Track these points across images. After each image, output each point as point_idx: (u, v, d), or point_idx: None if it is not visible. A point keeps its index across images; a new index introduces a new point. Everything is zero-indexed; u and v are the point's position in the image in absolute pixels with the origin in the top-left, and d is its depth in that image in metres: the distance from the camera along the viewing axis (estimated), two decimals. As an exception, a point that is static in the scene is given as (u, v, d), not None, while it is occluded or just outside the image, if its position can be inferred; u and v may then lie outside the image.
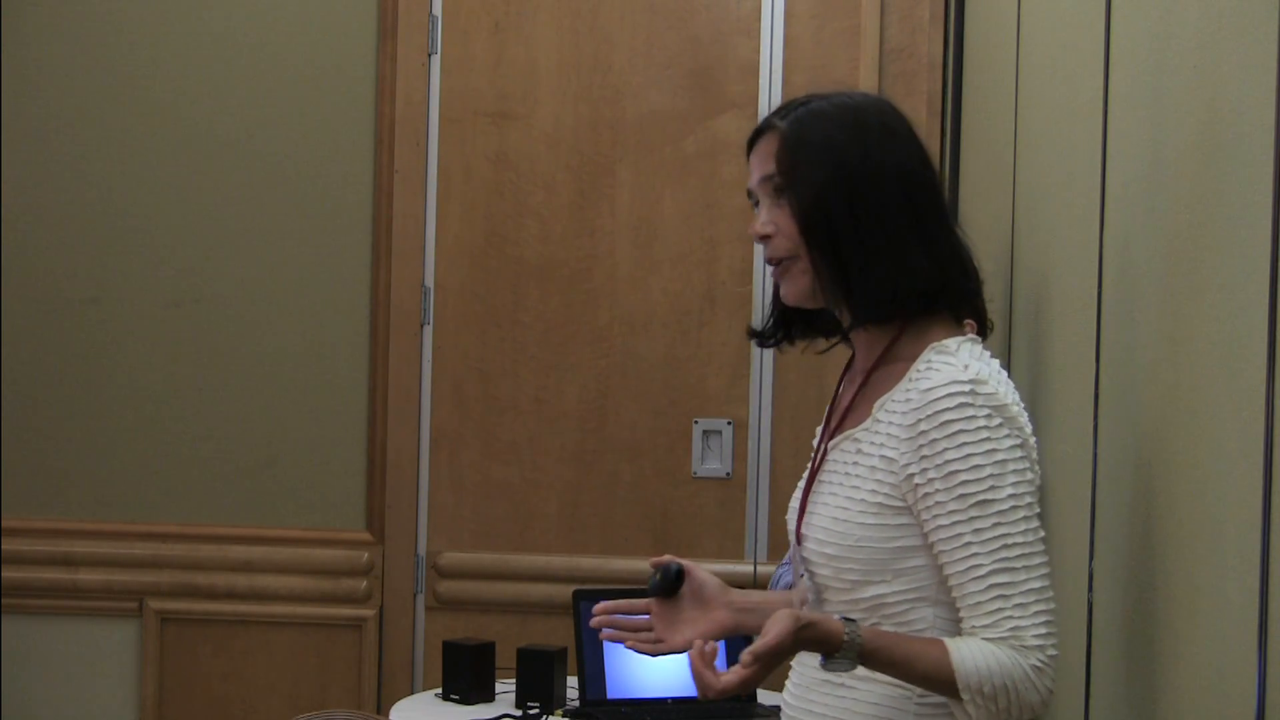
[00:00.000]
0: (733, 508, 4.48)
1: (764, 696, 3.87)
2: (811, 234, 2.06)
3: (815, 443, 2.22)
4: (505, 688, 3.85)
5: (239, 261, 4.60)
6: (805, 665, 2.12)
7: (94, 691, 4.61)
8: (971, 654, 1.93)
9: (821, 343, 2.26)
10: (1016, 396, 2.04)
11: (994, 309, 3.09)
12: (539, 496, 4.55)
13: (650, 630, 2.25)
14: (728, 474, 4.48)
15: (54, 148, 4.62)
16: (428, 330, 4.58)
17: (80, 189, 4.62)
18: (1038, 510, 1.99)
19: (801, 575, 2.13)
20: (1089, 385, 2.44)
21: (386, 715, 4.15)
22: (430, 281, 4.58)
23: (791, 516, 2.19)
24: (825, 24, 4.49)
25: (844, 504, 2.05)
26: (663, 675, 3.71)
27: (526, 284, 4.56)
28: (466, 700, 3.80)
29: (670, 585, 2.23)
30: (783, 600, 2.27)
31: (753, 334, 2.26)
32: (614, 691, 3.66)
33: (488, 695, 3.83)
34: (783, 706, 2.21)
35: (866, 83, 4.45)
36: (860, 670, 1.99)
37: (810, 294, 2.11)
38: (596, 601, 3.68)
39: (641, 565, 4.63)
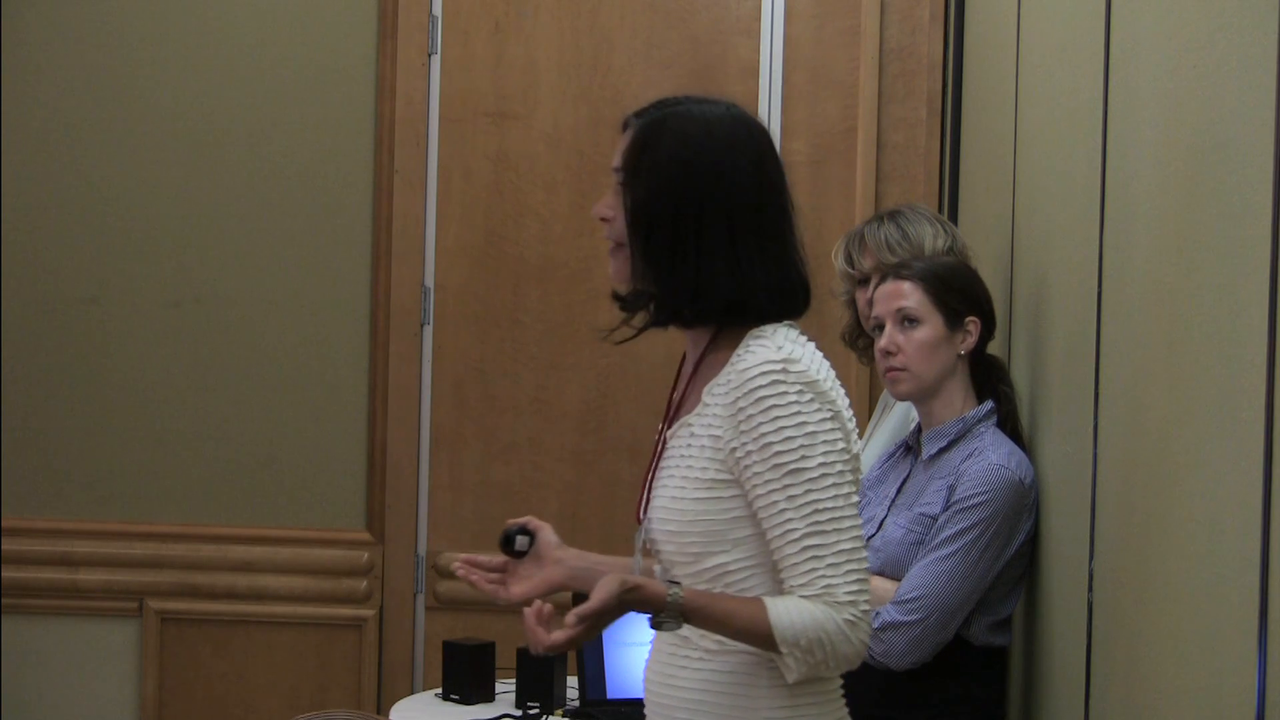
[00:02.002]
0: (733, 508, 4.48)
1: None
2: (634, 233, 2.25)
3: (657, 435, 2.34)
4: (505, 688, 3.85)
5: (239, 261, 4.60)
6: (664, 644, 2.24)
7: (94, 691, 4.61)
8: (788, 610, 2.08)
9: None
10: (832, 375, 2.19)
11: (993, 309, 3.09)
12: (539, 496, 4.55)
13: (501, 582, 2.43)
14: (728, 474, 4.48)
15: (54, 148, 4.62)
16: (428, 330, 4.58)
17: (80, 189, 4.62)
18: (849, 478, 2.14)
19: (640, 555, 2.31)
20: (1089, 385, 2.44)
21: (386, 715, 4.15)
22: (430, 281, 4.58)
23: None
24: (825, 24, 4.49)
25: (681, 483, 2.19)
26: (663, 675, 3.70)
27: (526, 284, 4.56)
28: (466, 700, 3.80)
29: (503, 545, 2.41)
30: (619, 565, 2.42)
31: (616, 297, 2.41)
32: (614, 691, 3.66)
33: (488, 695, 3.83)
34: (645, 687, 2.30)
35: (866, 83, 4.45)
36: (712, 643, 2.16)
37: (626, 280, 2.31)
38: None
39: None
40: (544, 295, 4.55)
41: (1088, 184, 2.47)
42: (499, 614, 4.52)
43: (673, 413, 2.29)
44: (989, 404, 2.91)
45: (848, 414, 2.18)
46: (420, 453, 4.58)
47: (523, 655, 3.76)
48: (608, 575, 2.10)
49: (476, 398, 4.57)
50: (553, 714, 3.67)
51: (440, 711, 3.78)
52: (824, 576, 2.08)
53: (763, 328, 2.20)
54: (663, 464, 2.25)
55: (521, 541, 2.41)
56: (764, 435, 2.10)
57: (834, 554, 2.08)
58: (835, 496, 2.10)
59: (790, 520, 2.09)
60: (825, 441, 2.10)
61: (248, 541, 4.59)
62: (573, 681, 3.76)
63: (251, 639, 4.59)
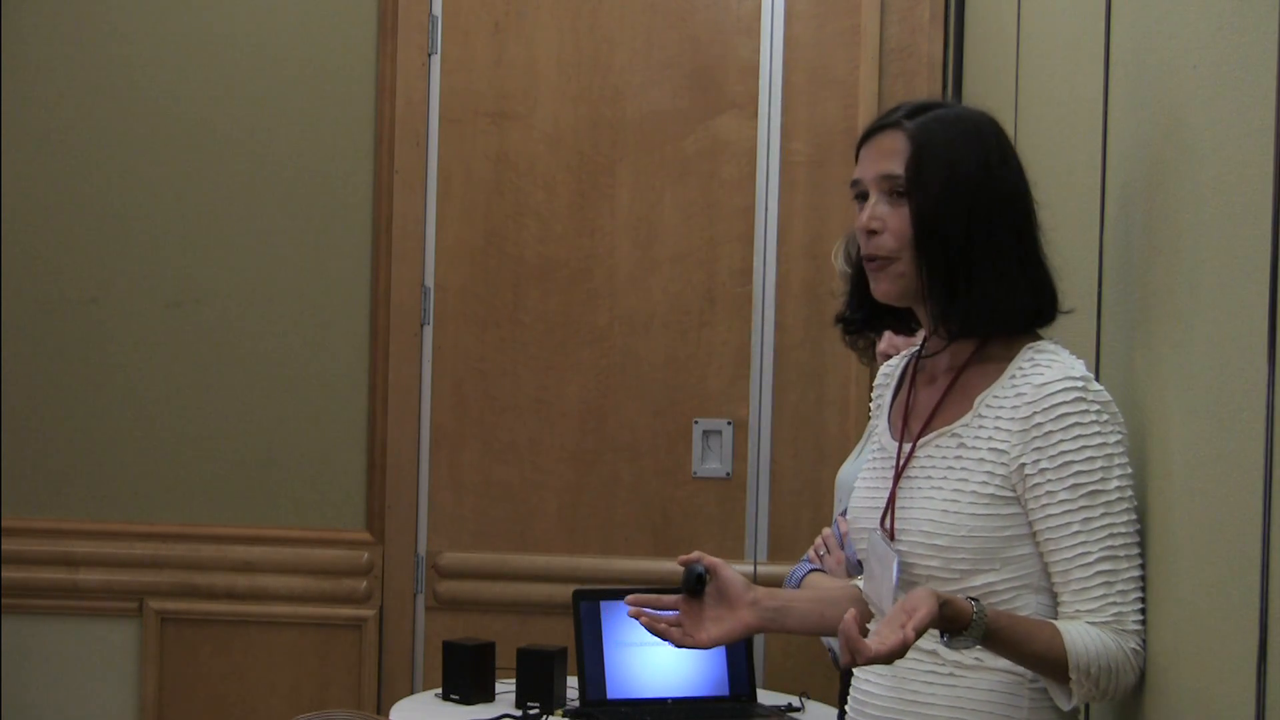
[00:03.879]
0: (733, 508, 4.48)
1: (764, 697, 3.87)
2: (924, 242, 2.12)
3: (886, 442, 2.25)
4: (505, 688, 3.85)
5: (239, 261, 4.60)
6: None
7: (94, 691, 4.61)
8: (1080, 636, 2.00)
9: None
10: None
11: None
12: (539, 496, 4.55)
13: (679, 624, 2.27)
14: (728, 474, 4.48)
15: (54, 148, 4.62)
16: (428, 330, 4.58)
17: (80, 189, 4.62)
18: (1136, 504, 2.06)
19: (852, 567, 2.14)
20: (1089, 385, 2.43)
21: (386, 715, 4.15)
22: (430, 281, 4.58)
23: (862, 514, 2.23)
24: (825, 24, 4.49)
25: (952, 496, 2.10)
26: (663, 675, 3.70)
27: (526, 284, 4.56)
28: (466, 700, 3.80)
29: (692, 585, 2.26)
30: (810, 600, 2.32)
31: (839, 319, 2.32)
32: (614, 691, 3.66)
33: (488, 695, 3.83)
34: (859, 701, 2.21)
35: (866, 83, 4.45)
36: (969, 659, 2.08)
37: (902, 295, 2.17)
38: (596, 602, 3.70)
39: (641, 565, 4.63)
40: (544, 295, 4.55)
41: (1088, 184, 2.47)
42: (499, 614, 4.52)
43: (924, 422, 2.19)
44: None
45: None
46: (420, 453, 4.58)
47: (523, 655, 3.76)
48: (918, 589, 1.91)
49: (476, 398, 4.57)
50: (553, 714, 3.67)
51: (440, 711, 3.78)
52: (1115, 603, 2.02)
53: (1040, 342, 2.13)
54: (913, 474, 2.16)
55: (706, 581, 2.26)
56: (1065, 454, 2.03)
57: (1124, 581, 2.03)
58: (1129, 522, 2.03)
59: (1085, 543, 2.03)
60: (1120, 465, 2.04)
61: (248, 541, 4.59)
62: (573, 681, 3.76)
63: (251, 639, 4.59)
